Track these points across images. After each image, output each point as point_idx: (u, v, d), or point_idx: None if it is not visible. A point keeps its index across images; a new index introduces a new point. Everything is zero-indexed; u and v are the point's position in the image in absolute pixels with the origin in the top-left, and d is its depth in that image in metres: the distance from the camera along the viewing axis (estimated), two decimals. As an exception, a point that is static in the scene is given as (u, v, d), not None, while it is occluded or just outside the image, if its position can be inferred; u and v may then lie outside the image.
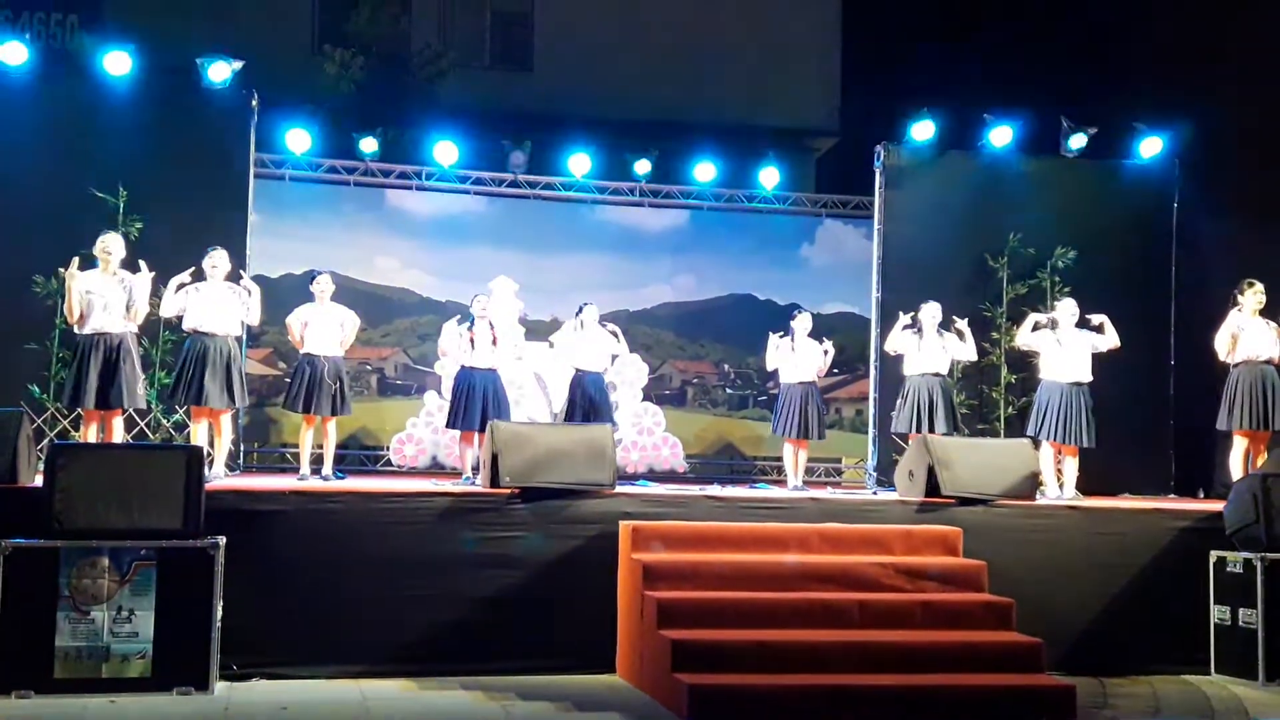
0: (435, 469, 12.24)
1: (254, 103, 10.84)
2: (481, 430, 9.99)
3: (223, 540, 7.32)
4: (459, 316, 10.39)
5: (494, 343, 10.16)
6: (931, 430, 10.22)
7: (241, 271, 10.02)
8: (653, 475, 12.53)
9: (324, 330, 9.79)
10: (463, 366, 10.18)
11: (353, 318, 9.97)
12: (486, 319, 10.22)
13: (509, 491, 8.31)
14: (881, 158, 11.99)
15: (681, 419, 13.43)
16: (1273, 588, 8.35)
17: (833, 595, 7.76)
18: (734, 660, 7.08)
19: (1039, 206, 12.05)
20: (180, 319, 9.27)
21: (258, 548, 7.69)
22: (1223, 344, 9.95)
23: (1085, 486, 10.27)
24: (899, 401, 10.67)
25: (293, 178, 12.47)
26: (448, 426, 10.40)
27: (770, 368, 11.07)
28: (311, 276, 10.07)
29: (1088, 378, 10.20)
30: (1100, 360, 10.33)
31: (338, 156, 12.72)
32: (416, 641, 7.89)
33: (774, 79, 16.67)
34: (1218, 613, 8.68)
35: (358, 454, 12.49)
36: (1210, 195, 12.61)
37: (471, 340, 10.11)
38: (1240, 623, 8.48)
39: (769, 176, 13.45)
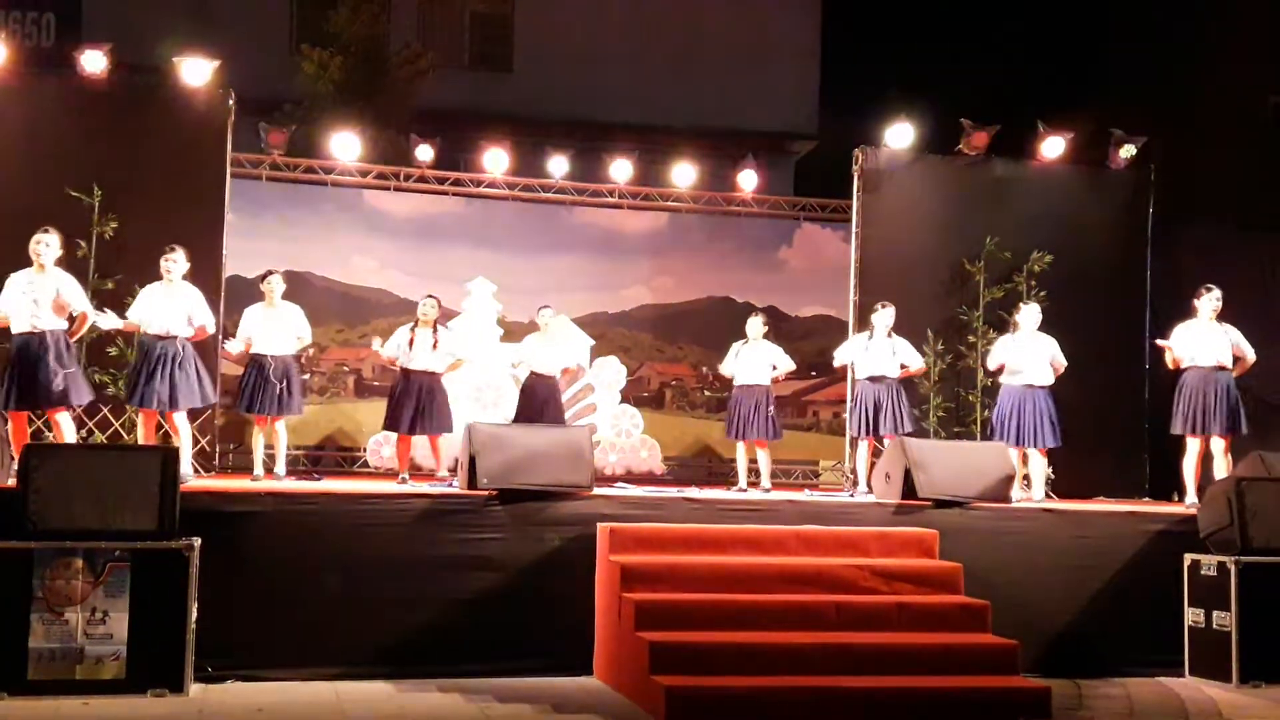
0: (412, 470, 12.18)
1: (231, 102, 10.79)
2: (411, 433, 10.00)
3: (198, 541, 7.28)
4: (446, 324, 10.32)
5: (434, 346, 10.13)
6: (878, 433, 10.30)
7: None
8: (630, 477, 12.52)
9: (273, 330, 9.74)
10: (402, 369, 10.15)
11: (300, 315, 9.90)
12: (431, 323, 10.18)
13: (486, 493, 8.29)
14: (859, 161, 12.02)
15: (659, 421, 13.43)
16: (1246, 590, 8.40)
17: (809, 597, 7.78)
18: (711, 662, 7.08)
19: (1015, 211, 12.09)
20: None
21: (233, 549, 7.65)
22: (1169, 350, 10.10)
23: (1060, 489, 10.32)
24: (849, 405, 10.69)
25: (270, 177, 12.42)
26: (385, 429, 10.32)
27: (727, 373, 11.09)
28: (262, 276, 10.00)
29: (1044, 381, 10.26)
30: (1074, 363, 10.39)
31: (315, 156, 12.67)
32: (393, 643, 7.86)
33: (753, 83, 16.73)
34: (1192, 615, 8.73)
35: (334, 455, 12.45)
36: (1185, 199, 12.71)
37: (411, 342, 10.07)
38: (1214, 625, 8.53)
39: (747, 179, 13.48)
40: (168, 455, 7.48)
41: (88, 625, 7.04)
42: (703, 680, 6.91)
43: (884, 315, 10.60)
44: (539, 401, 11.01)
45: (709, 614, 7.50)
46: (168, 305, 9.11)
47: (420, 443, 12.24)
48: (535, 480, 8.36)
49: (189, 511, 7.43)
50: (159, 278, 9.24)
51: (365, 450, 12.55)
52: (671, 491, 9.72)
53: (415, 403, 10.00)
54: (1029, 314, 10.46)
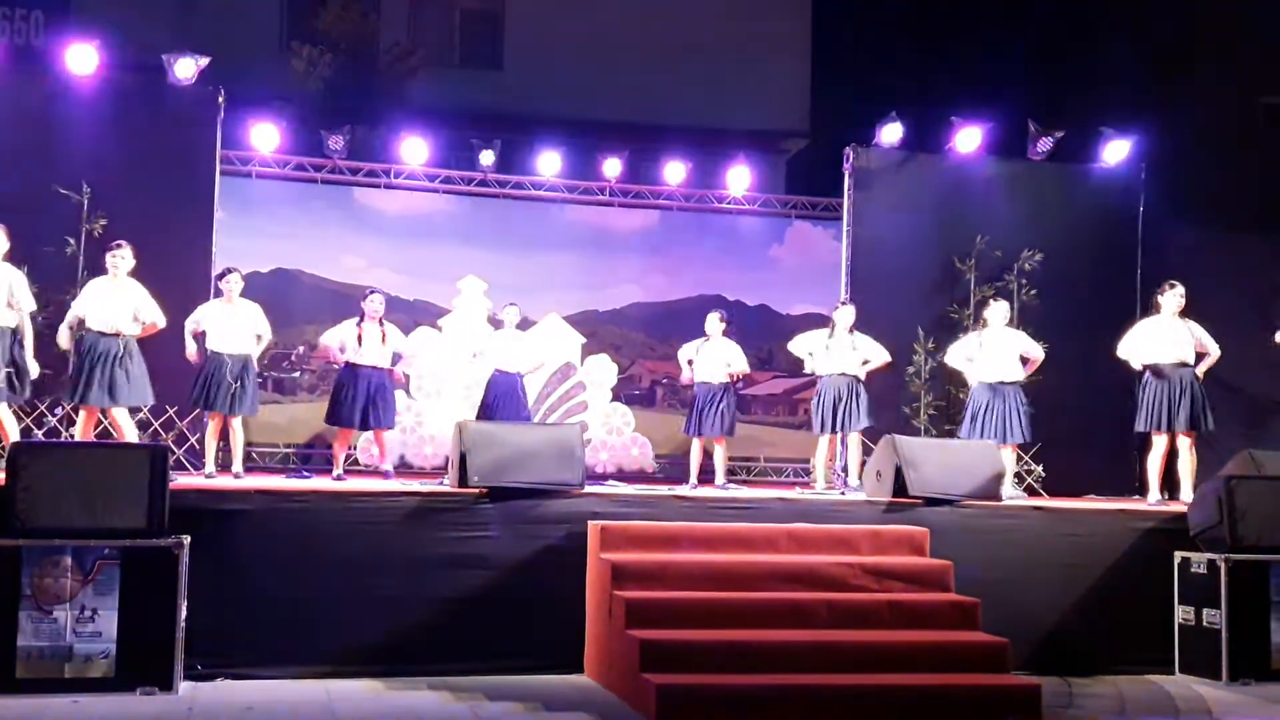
0: (402, 468, 12.17)
1: (220, 99, 10.78)
2: (363, 428, 9.98)
3: (187, 539, 7.26)
4: (359, 316, 10.20)
5: (382, 340, 10.12)
6: (835, 430, 10.30)
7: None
8: (622, 475, 12.52)
9: (230, 328, 9.71)
10: (348, 363, 10.10)
11: (259, 312, 9.87)
12: (377, 318, 10.14)
13: (477, 491, 8.28)
14: (850, 160, 12.04)
15: (651, 419, 13.43)
16: (1236, 588, 8.42)
17: (800, 595, 7.77)
18: (702, 660, 7.07)
19: (1006, 209, 12.13)
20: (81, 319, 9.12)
21: (223, 547, 7.63)
22: (1128, 349, 10.08)
23: (1050, 487, 10.33)
24: (814, 402, 10.65)
25: (259, 175, 12.40)
26: (327, 421, 10.27)
27: (687, 373, 11.03)
28: (221, 274, 9.97)
29: (1015, 376, 10.25)
30: (1064, 361, 10.40)
31: (305, 154, 12.65)
32: (383, 641, 7.84)
33: (744, 80, 16.71)
34: (1182, 613, 8.75)
35: (323, 453, 12.41)
36: (1175, 199, 12.72)
37: (359, 337, 10.04)
38: (1204, 623, 8.55)
39: (739, 177, 13.47)
40: (157, 453, 7.45)
41: (76, 623, 7.01)
42: (693, 678, 6.90)
43: (844, 313, 10.65)
44: (498, 397, 11.01)
45: (700, 612, 7.49)
46: (114, 302, 9.08)
47: (411, 442, 12.25)
48: (526, 478, 8.35)
49: (178, 509, 7.41)
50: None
51: (355, 448, 12.51)
52: (662, 489, 9.72)
53: (366, 398, 9.97)
54: (998, 310, 10.45)
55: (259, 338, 9.88)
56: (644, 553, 7.98)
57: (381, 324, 10.17)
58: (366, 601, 7.85)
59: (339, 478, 9.84)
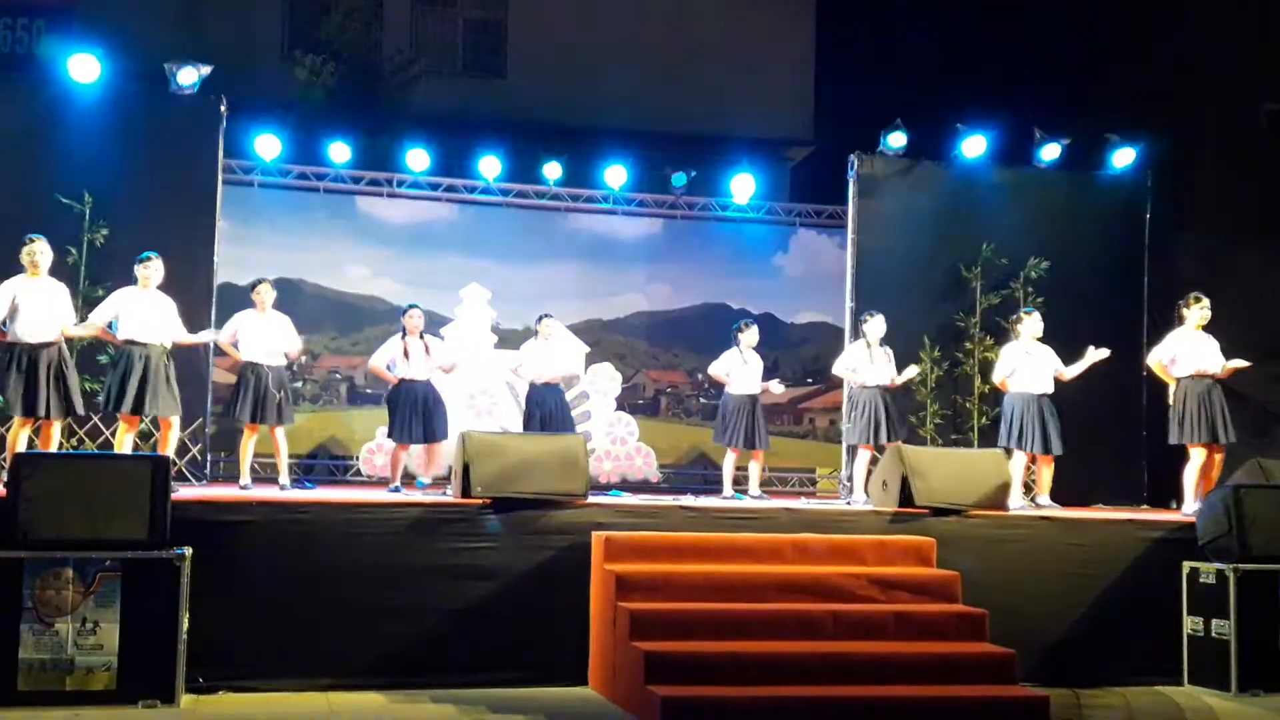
0: (406, 479, 12.09)
1: (223, 108, 10.74)
2: (425, 441, 9.95)
3: (189, 551, 7.23)
4: (437, 333, 10.25)
5: (426, 352, 10.12)
6: (881, 441, 10.25)
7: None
8: (626, 485, 12.46)
9: (265, 339, 9.70)
10: (400, 380, 10.07)
11: (289, 324, 9.87)
12: (418, 332, 10.14)
13: (480, 502, 8.24)
14: (855, 167, 11.98)
15: (655, 428, 13.39)
16: (1245, 598, 8.38)
17: (806, 606, 7.74)
18: (707, 671, 7.03)
19: (1012, 217, 12.07)
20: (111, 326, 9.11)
21: (225, 559, 7.60)
22: (1160, 359, 10.03)
23: (1058, 497, 10.28)
24: (853, 414, 10.54)
25: (262, 184, 12.37)
26: (391, 438, 10.24)
27: (723, 377, 10.88)
28: (253, 285, 9.95)
29: (1051, 389, 10.22)
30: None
31: (308, 163, 12.62)
32: (386, 654, 7.81)
33: (748, 88, 16.67)
34: (1191, 623, 8.71)
35: (327, 464, 12.38)
36: (1181, 206, 12.69)
37: (405, 352, 10.02)
38: (1213, 633, 8.51)
39: (743, 186, 13.44)
40: (158, 464, 7.42)
41: (78, 636, 6.99)
42: (699, 690, 6.86)
43: (877, 324, 10.54)
44: (548, 410, 10.91)
45: (705, 623, 7.47)
46: (155, 313, 9.08)
47: (415, 451, 12.18)
48: (529, 489, 8.32)
49: (180, 521, 7.39)
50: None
51: (358, 459, 12.48)
52: (667, 499, 9.67)
53: (423, 412, 9.95)
54: (1034, 322, 10.41)
55: (285, 354, 9.85)
56: (648, 563, 7.95)
57: (423, 338, 10.17)
58: (370, 613, 7.82)
59: (395, 489, 9.79)
